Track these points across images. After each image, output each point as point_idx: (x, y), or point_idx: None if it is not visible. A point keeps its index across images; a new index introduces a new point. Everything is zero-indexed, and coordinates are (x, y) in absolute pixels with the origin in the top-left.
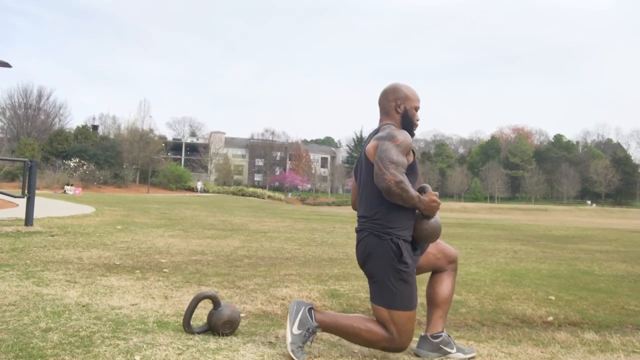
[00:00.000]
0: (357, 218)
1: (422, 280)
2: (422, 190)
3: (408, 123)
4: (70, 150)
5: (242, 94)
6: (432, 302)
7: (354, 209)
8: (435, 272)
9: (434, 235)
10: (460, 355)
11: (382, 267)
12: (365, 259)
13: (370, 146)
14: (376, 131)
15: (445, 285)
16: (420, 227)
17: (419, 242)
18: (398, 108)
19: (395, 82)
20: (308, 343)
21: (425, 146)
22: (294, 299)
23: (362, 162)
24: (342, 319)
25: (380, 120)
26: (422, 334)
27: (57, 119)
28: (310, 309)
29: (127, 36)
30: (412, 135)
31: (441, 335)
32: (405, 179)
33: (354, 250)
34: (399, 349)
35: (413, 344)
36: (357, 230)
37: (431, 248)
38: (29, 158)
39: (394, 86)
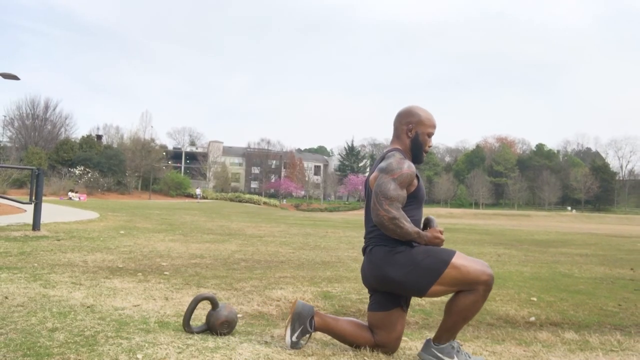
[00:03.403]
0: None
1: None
2: (427, 222)
3: (417, 149)
4: (76, 159)
5: (240, 105)
6: (446, 310)
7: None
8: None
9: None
10: None
11: (399, 267)
12: (376, 273)
13: (372, 176)
14: (382, 158)
15: (464, 299)
16: None
17: None
18: (409, 132)
19: (412, 105)
20: (302, 342)
21: None
22: (299, 302)
23: (368, 188)
24: (338, 325)
25: (391, 142)
26: (428, 337)
27: (63, 129)
28: (311, 319)
29: (130, 50)
30: (421, 161)
31: (443, 345)
32: (400, 214)
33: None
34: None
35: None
36: (363, 249)
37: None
38: (36, 166)
39: (410, 109)
